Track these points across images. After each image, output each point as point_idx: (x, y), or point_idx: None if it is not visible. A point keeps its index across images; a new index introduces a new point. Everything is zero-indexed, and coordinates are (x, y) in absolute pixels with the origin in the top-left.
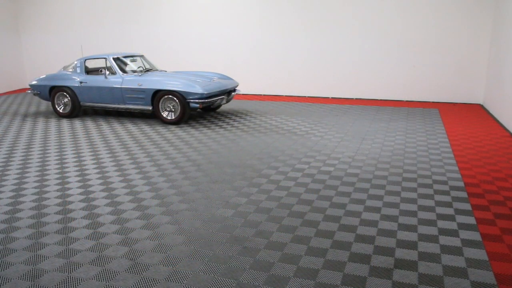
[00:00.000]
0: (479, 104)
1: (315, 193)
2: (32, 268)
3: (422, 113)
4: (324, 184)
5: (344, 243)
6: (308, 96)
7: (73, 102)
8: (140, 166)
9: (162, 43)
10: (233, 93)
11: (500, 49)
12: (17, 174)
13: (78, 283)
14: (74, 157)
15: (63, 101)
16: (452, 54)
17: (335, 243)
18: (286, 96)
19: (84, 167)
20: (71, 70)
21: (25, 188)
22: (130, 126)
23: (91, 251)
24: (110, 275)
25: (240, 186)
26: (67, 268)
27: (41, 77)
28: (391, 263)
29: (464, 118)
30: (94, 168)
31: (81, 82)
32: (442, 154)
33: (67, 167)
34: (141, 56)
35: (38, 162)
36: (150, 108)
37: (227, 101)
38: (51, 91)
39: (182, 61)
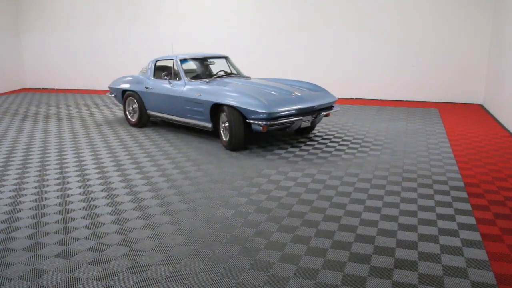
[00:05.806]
0: (479, 104)
1: (315, 193)
2: (32, 268)
3: (422, 113)
4: (324, 184)
5: (344, 243)
6: None
7: (140, 109)
8: (140, 166)
9: (162, 43)
10: (322, 113)
11: (500, 49)
12: (17, 174)
13: (78, 283)
14: (74, 157)
15: (132, 107)
16: (452, 54)
17: (335, 243)
18: None
19: (84, 167)
20: (145, 72)
21: (25, 188)
22: (130, 126)
23: (91, 251)
24: (110, 275)
25: (240, 186)
26: (67, 268)
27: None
28: (391, 263)
29: (464, 118)
30: (94, 168)
31: (146, 88)
32: (442, 154)
33: (67, 167)
34: (226, 57)
35: (38, 162)
36: (210, 125)
37: (313, 123)
38: (123, 95)
39: None
